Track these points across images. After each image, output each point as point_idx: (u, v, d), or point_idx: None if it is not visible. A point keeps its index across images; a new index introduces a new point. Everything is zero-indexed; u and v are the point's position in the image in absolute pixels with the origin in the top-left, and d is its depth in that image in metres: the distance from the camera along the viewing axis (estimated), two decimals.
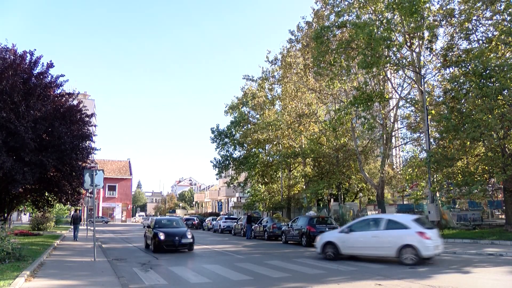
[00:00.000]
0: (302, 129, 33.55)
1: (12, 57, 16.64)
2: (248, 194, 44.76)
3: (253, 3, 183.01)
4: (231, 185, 41.92)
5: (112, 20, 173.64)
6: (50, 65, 17.51)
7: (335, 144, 30.78)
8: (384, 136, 26.13)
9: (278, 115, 35.63)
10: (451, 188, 21.25)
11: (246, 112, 39.40)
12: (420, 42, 21.54)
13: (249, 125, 38.20)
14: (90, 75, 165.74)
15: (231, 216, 40.10)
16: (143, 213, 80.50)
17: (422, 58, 22.08)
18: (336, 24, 22.62)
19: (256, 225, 25.62)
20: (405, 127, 27.20)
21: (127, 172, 70.42)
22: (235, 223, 31.18)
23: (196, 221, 42.95)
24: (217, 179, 57.51)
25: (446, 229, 20.48)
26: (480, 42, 19.74)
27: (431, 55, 22.26)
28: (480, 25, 20.08)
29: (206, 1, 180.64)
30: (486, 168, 18.49)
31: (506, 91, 16.96)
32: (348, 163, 30.81)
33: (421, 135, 24.67)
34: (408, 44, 21.53)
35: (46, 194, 19.95)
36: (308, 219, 19.60)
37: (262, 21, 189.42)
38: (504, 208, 20.58)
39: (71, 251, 15.68)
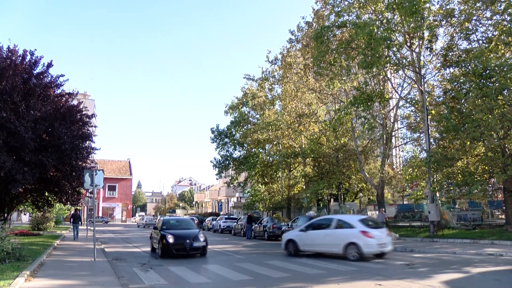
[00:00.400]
0: (302, 129, 33.55)
1: (12, 57, 16.64)
2: (248, 194, 44.75)
3: (253, 3, 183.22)
4: (231, 185, 41.90)
5: (112, 20, 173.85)
6: (50, 65, 17.51)
7: (335, 144, 30.78)
8: (384, 136, 26.13)
9: (278, 115, 35.62)
10: (451, 188, 21.24)
11: (246, 112, 39.40)
12: (420, 42, 21.54)
13: (249, 125, 38.18)
14: (90, 75, 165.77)
15: (231, 216, 40.10)
16: (143, 213, 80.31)
17: (422, 58, 22.08)
18: (336, 24, 22.62)
19: (256, 225, 25.63)
20: (405, 127, 27.19)
21: (127, 172, 70.43)
22: (235, 223, 31.19)
23: (196, 221, 42.88)
24: (217, 179, 57.51)
25: (446, 229, 20.48)
26: (480, 42, 19.74)
27: (431, 55, 22.26)
28: (480, 25, 20.09)
29: (206, 1, 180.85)
30: (486, 168, 18.49)
31: (506, 91, 16.97)
32: (348, 163, 30.80)
33: (421, 135, 24.66)
34: (408, 44, 21.53)
35: (46, 194, 19.93)
36: (308, 219, 19.59)
37: (262, 21, 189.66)
38: (504, 208, 20.58)
39: (71, 251, 15.68)
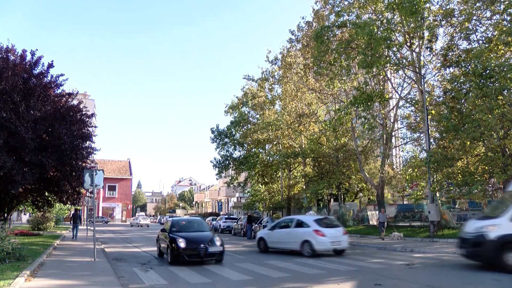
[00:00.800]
0: (302, 129, 33.55)
1: (12, 57, 16.63)
2: (248, 194, 44.76)
3: (253, 3, 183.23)
4: (231, 185, 41.90)
5: (112, 20, 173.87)
6: (50, 65, 17.46)
7: (335, 144, 30.78)
8: (384, 136, 26.12)
9: (278, 115, 35.62)
10: (451, 188, 21.21)
11: (246, 112, 39.40)
12: (420, 42, 21.53)
13: (249, 125, 38.19)
14: (90, 75, 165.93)
15: (231, 216, 40.13)
16: (142, 213, 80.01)
17: (422, 58, 22.07)
18: (336, 24, 22.62)
19: (256, 225, 25.61)
20: (405, 127, 27.18)
21: (127, 172, 70.42)
22: (235, 223, 31.18)
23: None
24: (217, 179, 57.49)
25: (446, 229, 20.47)
26: (480, 42, 19.73)
27: (431, 55, 22.26)
28: (480, 25, 20.08)
29: (206, 1, 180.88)
30: (486, 168, 18.47)
31: (506, 91, 16.94)
32: (348, 163, 30.80)
33: (421, 135, 24.65)
34: (408, 44, 21.52)
35: (46, 194, 19.93)
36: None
37: (262, 21, 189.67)
38: None
39: (71, 251, 15.68)
